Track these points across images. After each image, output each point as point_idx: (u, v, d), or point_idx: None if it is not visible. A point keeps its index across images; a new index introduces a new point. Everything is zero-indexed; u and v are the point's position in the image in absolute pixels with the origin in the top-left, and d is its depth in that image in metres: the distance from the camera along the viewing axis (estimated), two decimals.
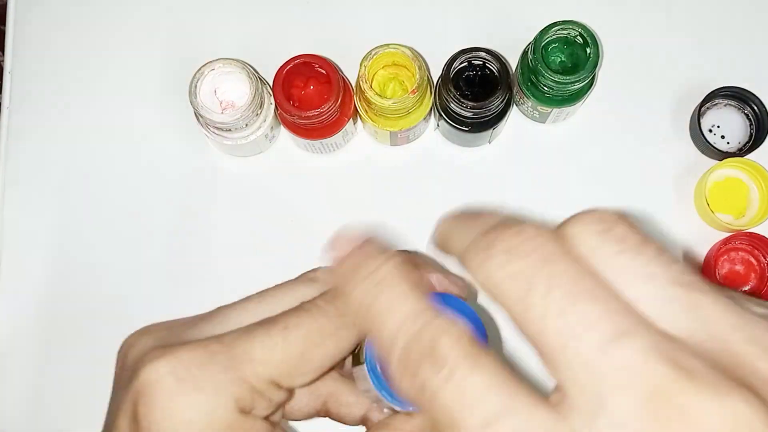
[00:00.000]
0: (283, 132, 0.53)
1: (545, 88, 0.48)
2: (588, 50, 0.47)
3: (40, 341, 0.52)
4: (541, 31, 0.48)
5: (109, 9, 0.56)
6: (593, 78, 0.50)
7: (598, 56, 0.47)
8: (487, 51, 0.47)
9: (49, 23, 0.56)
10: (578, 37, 0.48)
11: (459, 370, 0.22)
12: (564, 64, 0.50)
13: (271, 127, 0.51)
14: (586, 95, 0.50)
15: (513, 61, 0.51)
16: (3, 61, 0.57)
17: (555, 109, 0.50)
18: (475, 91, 0.48)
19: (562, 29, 0.48)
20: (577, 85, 0.48)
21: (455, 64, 0.47)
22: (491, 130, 0.50)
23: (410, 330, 0.24)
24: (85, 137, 0.55)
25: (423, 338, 0.23)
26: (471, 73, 0.49)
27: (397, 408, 0.27)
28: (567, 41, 0.49)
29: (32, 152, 0.55)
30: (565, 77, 0.47)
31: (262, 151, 0.53)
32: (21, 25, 0.56)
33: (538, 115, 0.52)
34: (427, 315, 0.24)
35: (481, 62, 0.48)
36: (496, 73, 0.48)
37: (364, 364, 0.27)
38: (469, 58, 0.48)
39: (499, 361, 0.22)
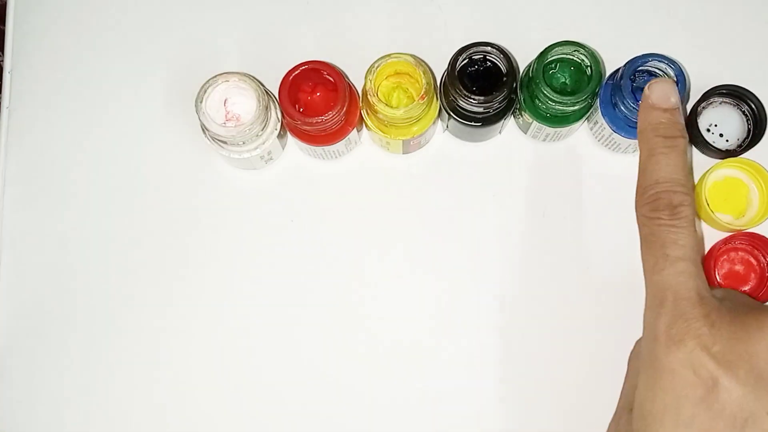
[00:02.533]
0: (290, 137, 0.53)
1: (540, 103, 0.49)
2: (590, 72, 0.48)
3: (40, 341, 0.52)
4: (551, 46, 0.48)
5: (110, 8, 0.56)
6: (588, 107, 0.50)
7: (599, 82, 0.48)
8: (486, 44, 0.47)
9: (49, 23, 0.56)
10: (584, 62, 0.48)
11: (684, 227, 0.40)
12: (564, 86, 0.50)
13: (269, 151, 0.51)
14: (580, 121, 0.51)
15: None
16: (3, 61, 0.57)
17: (545, 127, 0.51)
18: (480, 86, 0.49)
19: (576, 51, 0.48)
20: (574, 107, 0.48)
21: (458, 62, 0.47)
22: (502, 120, 0.50)
23: (670, 188, 0.41)
24: (85, 137, 0.54)
25: (674, 199, 0.40)
26: (473, 68, 0.49)
27: None
28: (573, 63, 0.49)
29: (32, 152, 0.54)
30: (561, 96, 0.47)
31: (255, 168, 0.53)
32: (21, 25, 0.56)
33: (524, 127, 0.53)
34: (686, 188, 0.41)
35: (481, 56, 0.48)
36: (499, 63, 0.48)
37: None
38: (470, 54, 0.48)
39: (696, 233, 0.40)
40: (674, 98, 0.44)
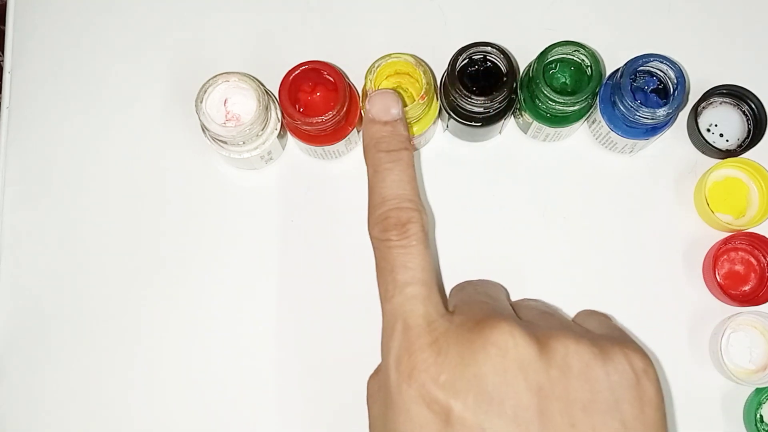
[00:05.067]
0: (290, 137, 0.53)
1: (540, 103, 0.49)
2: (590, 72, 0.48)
3: (40, 341, 0.52)
4: (551, 46, 0.48)
5: (110, 8, 0.56)
6: (588, 107, 0.50)
7: (599, 82, 0.48)
8: (486, 44, 0.47)
9: (49, 23, 0.56)
10: (584, 62, 0.48)
11: (413, 246, 0.38)
12: (564, 86, 0.50)
13: (269, 151, 0.51)
14: (580, 121, 0.51)
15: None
16: (3, 61, 0.57)
17: (546, 128, 0.51)
18: (480, 86, 0.49)
19: (576, 51, 0.48)
20: (574, 107, 0.49)
21: (458, 62, 0.47)
22: (502, 120, 0.50)
23: (397, 205, 0.39)
24: (85, 137, 0.54)
25: (402, 216, 0.39)
26: (473, 68, 0.49)
27: None
28: (573, 63, 0.49)
29: (32, 152, 0.54)
30: (561, 97, 0.47)
31: (255, 168, 0.53)
32: (21, 25, 0.56)
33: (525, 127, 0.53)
34: (414, 203, 0.39)
35: (481, 56, 0.48)
36: (499, 63, 0.48)
37: None
38: (470, 54, 0.48)
39: (431, 255, 0.39)
40: (395, 109, 0.42)
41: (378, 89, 0.43)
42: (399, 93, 0.43)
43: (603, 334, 0.39)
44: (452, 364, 0.34)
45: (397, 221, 0.39)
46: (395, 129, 0.42)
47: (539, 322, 0.38)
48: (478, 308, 0.39)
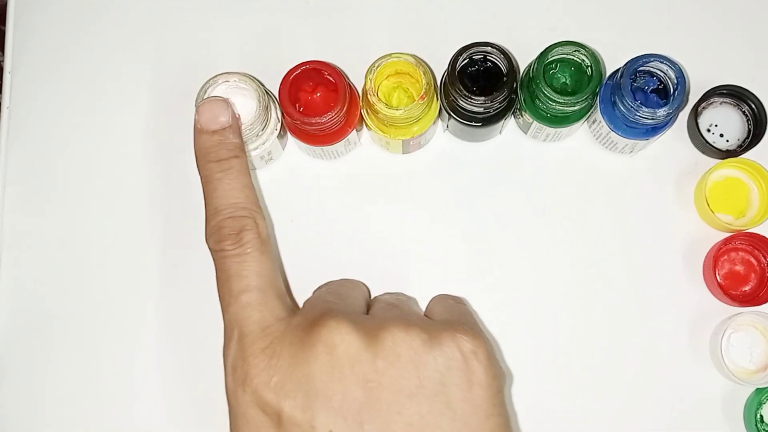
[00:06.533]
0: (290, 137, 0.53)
1: (540, 103, 0.49)
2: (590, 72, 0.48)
3: (40, 341, 0.52)
4: (551, 46, 0.48)
5: (110, 8, 0.56)
6: (588, 107, 0.50)
7: (599, 82, 0.48)
8: (486, 44, 0.47)
9: (49, 23, 0.56)
10: (584, 62, 0.48)
11: (247, 254, 0.39)
12: (565, 86, 0.50)
13: (269, 151, 0.51)
14: (580, 122, 0.51)
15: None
16: (3, 61, 0.57)
17: (546, 128, 0.51)
18: (480, 86, 0.49)
19: (576, 51, 0.48)
20: (574, 108, 0.48)
21: (458, 62, 0.47)
22: (503, 120, 0.50)
23: (231, 214, 0.40)
24: (85, 137, 0.54)
25: (236, 225, 0.40)
26: (473, 69, 0.49)
27: None
28: (574, 63, 0.49)
29: (32, 152, 0.54)
30: (561, 97, 0.47)
31: (255, 168, 0.53)
32: (21, 25, 0.56)
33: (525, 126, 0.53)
34: (248, 209, 0.40)
35: (481, 56, 0.48)
36: (499, 63, 0.48)
37: None
38: (470, 54, 0.48)
39: (270, 260, 0.40)
40: (224, 117, 0.43)
41: (207, 98, 0.43)
42: (227, 101, 0.44)
43: (441, 320, 0.40)
44: (284, 366, 0.36)
45: (231, 230, 0.40)
46: (224, 138, 0.42)
47: (380, 315, 0.39)
48: (318, 308, 0.39)
